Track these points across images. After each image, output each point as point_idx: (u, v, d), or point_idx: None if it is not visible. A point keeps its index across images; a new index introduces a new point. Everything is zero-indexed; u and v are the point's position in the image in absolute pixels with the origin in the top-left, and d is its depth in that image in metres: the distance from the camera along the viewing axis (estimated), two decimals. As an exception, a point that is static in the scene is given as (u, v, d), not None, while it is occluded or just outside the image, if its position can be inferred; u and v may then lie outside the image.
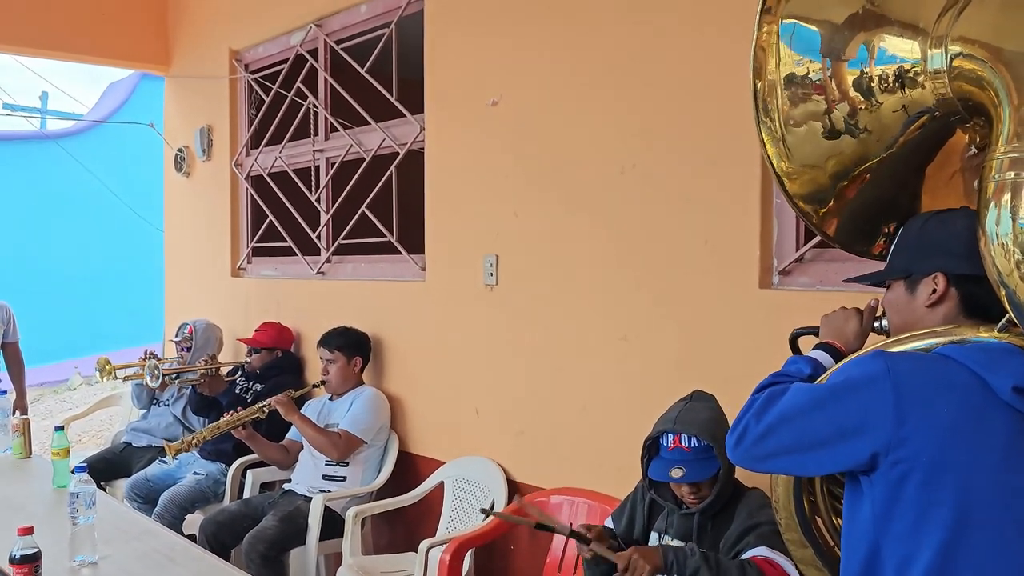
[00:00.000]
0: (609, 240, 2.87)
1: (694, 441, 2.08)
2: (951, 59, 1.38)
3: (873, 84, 1.48)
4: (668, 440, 2.11)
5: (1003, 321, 1.34)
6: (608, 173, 2.86)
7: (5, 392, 4.01)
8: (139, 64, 5.83)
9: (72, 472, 2.49)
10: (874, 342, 1.54)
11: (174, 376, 4.22)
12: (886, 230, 1.63)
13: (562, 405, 3.04)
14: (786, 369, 1.55)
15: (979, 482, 1.27)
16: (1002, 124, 1.30)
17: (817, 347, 1.59)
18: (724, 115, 2.51)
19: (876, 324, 1.60)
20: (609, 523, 2.36)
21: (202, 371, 4.16)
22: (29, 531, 1.99)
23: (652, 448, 2.17)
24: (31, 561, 1.95)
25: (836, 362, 1.53)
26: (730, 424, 2.14)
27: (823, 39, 1.53)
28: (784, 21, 1.54)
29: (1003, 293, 1.29)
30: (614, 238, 2.86)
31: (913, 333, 1.43)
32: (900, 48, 1.46)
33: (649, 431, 2.19)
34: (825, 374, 1.51)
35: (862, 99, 1.49)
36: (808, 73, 1.53)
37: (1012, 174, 1.27)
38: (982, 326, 1.37)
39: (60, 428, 3.10)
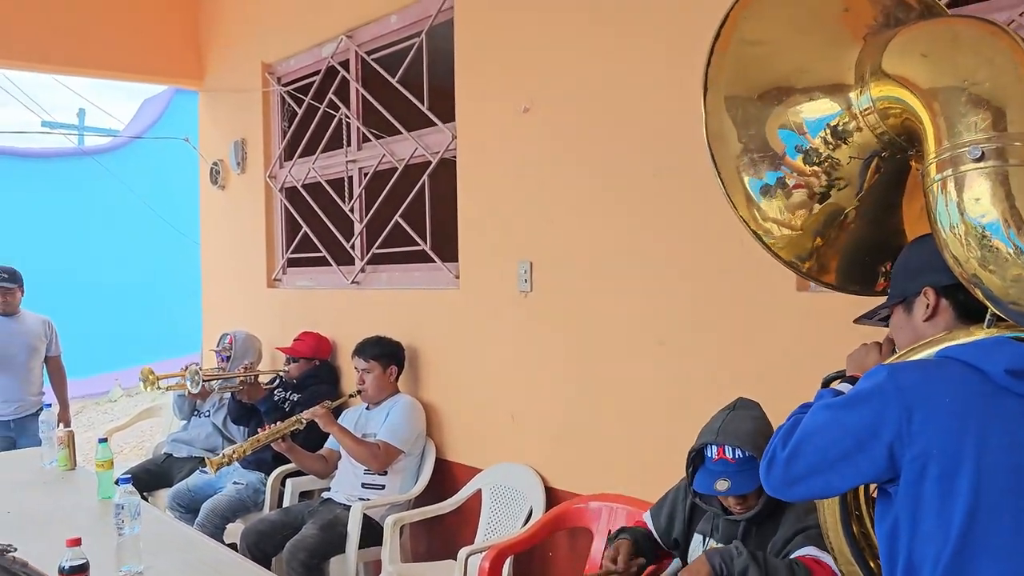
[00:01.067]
0: (644, 244, 2.86)
1: (738, 452, 2.05)
2: (876, 101, 1.50)
3: (818, 148, 1.59)
4: (712, 451, 2.08)
5: (988, 316, 1.40)
6: (641, 176, 2.85)
7: (49, 405, 4.10)
8: (174, 80, 5.93)
9: (117, 483, 2.54)
10: None
11: (214, 382, 4.28)
12: (883, 269, 1.72)
13: (599, 410, 3.03)
14: (813, 403, 1.58)
15: (990, 466, 1.30)
16: (926, 137, 1.40)
17: (843, 381, 1.64)
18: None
19: (893, 351, 1.63)
20: (647, 518, 2.35)
21: (241, 378, 4.21)
22: (77, 542, 2.03)
23: (696, 458, 2.14)
24: (80, 572, 1.98)
25: None
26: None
27: (759, 143, 1.64)
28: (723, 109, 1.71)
29: (972, 287, 1.36)
30: (648, 242, 2.85)
31: (915, 346, 1.49)
32: (819, 110, 1.58)
33: (687, 435, 2.18)
34: None
35: (817, 167, 1.60)
36: (761, 161, 1.64)
37: (941, 175, 1.37)
38: (973, 327, 1.44)
39: (104, 440, 3.16)
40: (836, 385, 1.60)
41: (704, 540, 2.21)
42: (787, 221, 1.64)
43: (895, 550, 1.39)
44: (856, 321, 1.74)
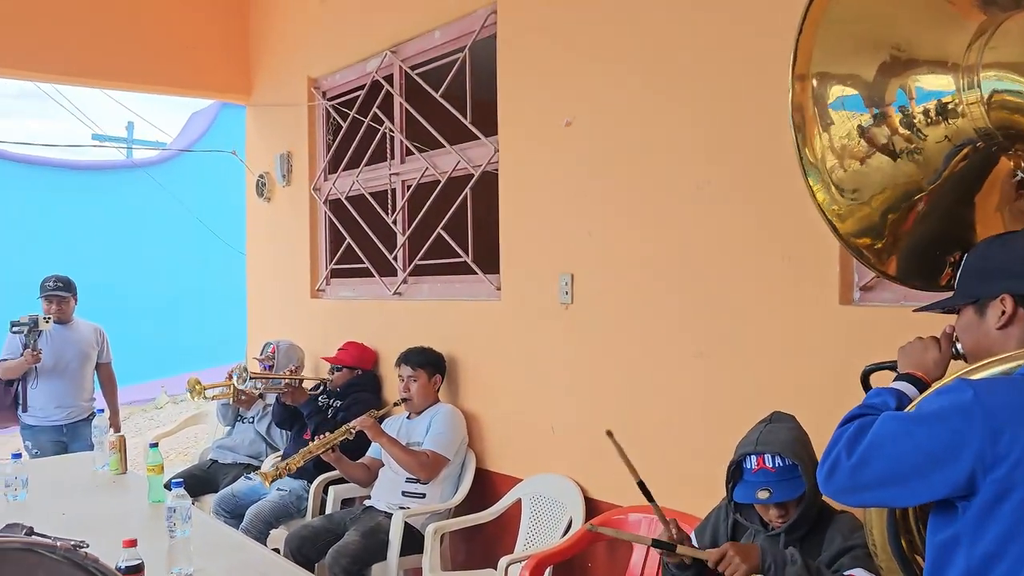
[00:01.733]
0: (684, 257, 2.88)
1: (778, 460, 2.05)
2: (988, 90, 1.43)
3: (916, 120, 1.54)
4: (751, 462, 2.08)
5: None
6: (684, 190, 2.86)
7: (102, 411, 4.21)
8: (222, 94, 6.07)
9: (168, 487, 2.61)
10: (954, 368, 1.55)
11: (259, 383, 4.36)
12: (951, 259, 1.66)
13: (638, 422, 3.04)
14: (870, 401, 1.55)
15: None
16: None
17: (899, 378, 1.59)
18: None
19: (953, 350, 1.60)
20: (692, 536, 2.36)
21: (287, 380, 4.30)
22: (133, 543, 2.10)
23: (735, 472, 2.15)
24: (136, 572, 2.05)
25: (920, 391, 1.54)
26: (812, 444, 2.13)
27: (860, 91, 1.59)
28: (817, 79, 1.61)
29: None
30: (689, 255, 2.86)
31: (992, 359, 1.44)
32: (936, 84, 1.52)
33: (726, 448, 2.18)
34: (912, 403, 1.51)
35: (908, 133, 1.55)
36: (851, 121, 1.59)
37: None
38: None
39: (154, 445, 3.24)
40: (894, 384, 1.57)
41: None
42: (861, 194, 1.59)
43: (949, 564, 1.37)
44: (916, 311, 1.70)
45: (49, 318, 4.61)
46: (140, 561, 2.08)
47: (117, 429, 4.78)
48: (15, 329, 4.54)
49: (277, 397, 4.35)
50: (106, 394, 4.97)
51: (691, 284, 2.85)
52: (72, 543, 1.05)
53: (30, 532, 1.04)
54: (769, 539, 2.13)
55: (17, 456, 3.10)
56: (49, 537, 1.05)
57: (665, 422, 2.95)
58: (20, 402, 4.65)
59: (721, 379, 2.76)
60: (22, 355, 4.54)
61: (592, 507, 3.19)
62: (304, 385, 4.40)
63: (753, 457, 2.08)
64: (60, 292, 4.71)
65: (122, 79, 5.47)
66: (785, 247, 2.58)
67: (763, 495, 2.04)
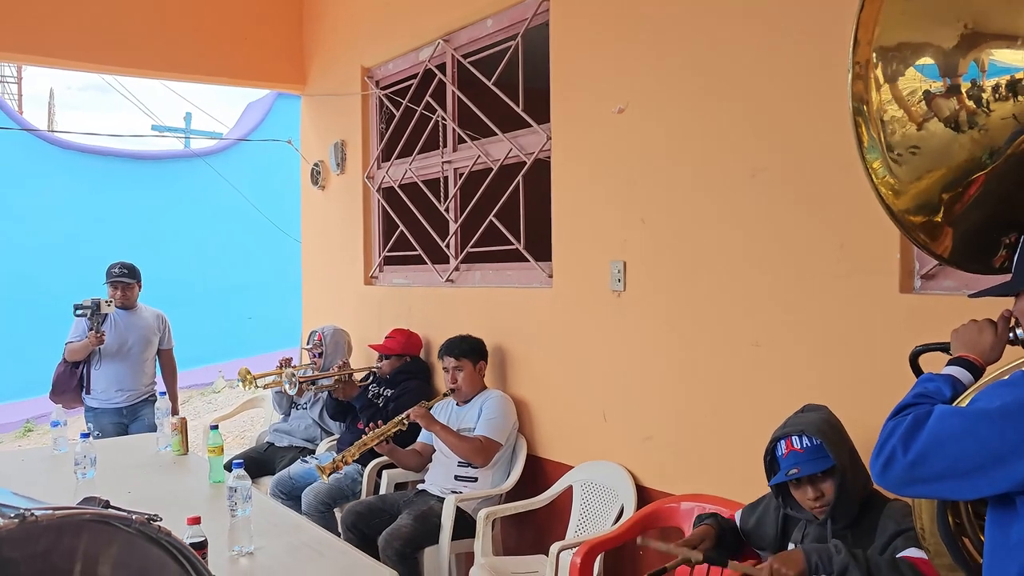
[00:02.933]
0: (738, 245, 2.85)
1: (805, 440, 2.12)
2: None
3: (985, 94, 1.50)
4: (782, 448, 2.16)
5: None
6: (738, 177, 2.84)
7: (164, 393, 4.32)
8: (277, 84, 6.17)
9: (229, 468, 2.68)
10: (1010, 354, 1.51)
11: (311, 383, 4.44)
12: (1007, 240, 1.62)
13: (692, 411, 3.03)
14: (924, 388, 1.52)
15: None
16: None
17: (952, 362, 1.55)
18: (860, 116, 2.45)
19: (1010, 335, 1.56)
20: (737, 515, 2.38)
21: (336, 377, 4.36)
22: (197, 521, 2.17)
23: (772, 464, 2.21)
24: (200, 548, 2.12)
25: (974, 376, 1.52)
26: (844, 428, 2.15)
27: (933, 58, 1.55)
28: (879, 49, 1.57)
29: None
30: (744, 243, 2.83)
31: None
32: (1011, 59, 1.48)
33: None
34: (968, 391, 1.49)
35: (974, 107, 1.51)
36: (917, 85, 1.55)
37: None
38: None
39: (215, 427, 3.33)
40: (947, 368, 1.54)
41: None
42: (918, 167, 1.56)
43: (1006, 556, 1.36)
44: (971, 296, 1.67)
45: (111, 301, 4.71)
46: (204, 538, 2.14)
47: (175, 414, 4.90)
48: (79, 312, 4.66)
49: (329, 392, 4.40)
50: (166, 380, 5.06)
51: (747, 272, 2.83)
52: (146, 516, 1.09)
53: (106, 505, 1.09)
54: (818, 527, 2.14)
55: (86, 436, 3.21)
56: (124, 510, 1.09)
57: (719, 410, 2.93)
58: (84, 385, 4.78)
59: (777, 368, 2.74)
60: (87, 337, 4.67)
61: (644, 495, 3.19)
62: (354, 377, 4.45)
63: (783, 441, 2.16)
64: (125, 278, 4.82)
65: (183, 70, 5.58)
66: (841, 235, 2.54)
67: (793, 471, 2.10)
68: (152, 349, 4.97)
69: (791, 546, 2.24)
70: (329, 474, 3.70)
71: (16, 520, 0.92)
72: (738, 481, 2.80)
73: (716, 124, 2.91)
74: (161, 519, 1.12)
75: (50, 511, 0.97)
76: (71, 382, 4.75)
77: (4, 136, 9.45)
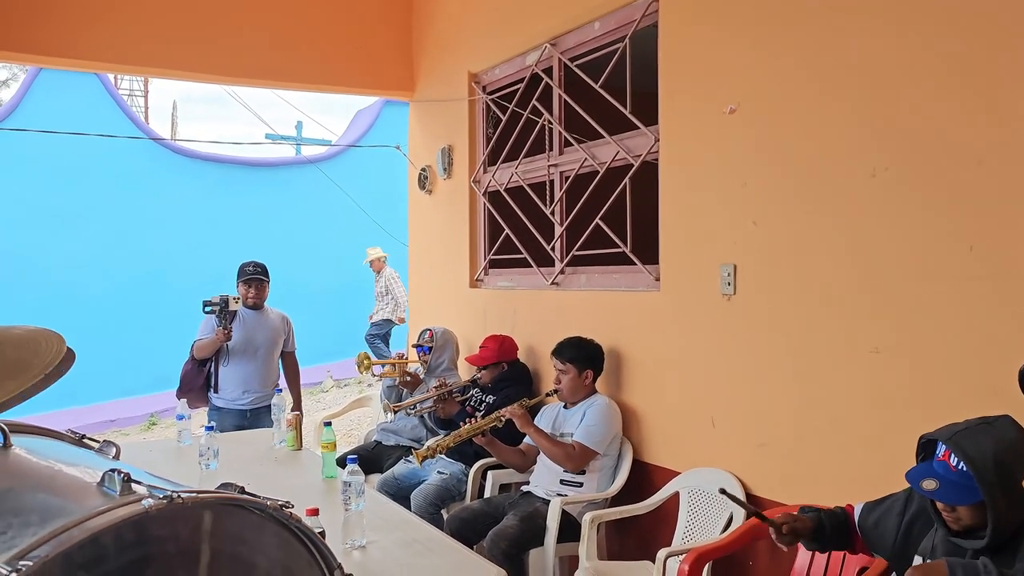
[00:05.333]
0: (856, 248, 2.75)
1: (961, 465, 1.93)
2: None
3: None
4: (940, 449, 1.97)
5: None
6: (856, 177, 2.74)
7: (281, 390, 4.46)
8: (387, 92, 6.33)
9: (343, 464, 2.76)
10: None
11: (409, 408, 4.36)
12: None
13: (807, 418, 2.94)
14: None
15: None
16: None
17: None
18: (992, 109, 2.34)
19: None
20: (857, 508, 2.26)
21: (435, 397, 4.30)
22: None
23: (928, 447, 2.02)
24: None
25: None
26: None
27: None
28: None
29: None
30: (862, 245, 2.73)
31: None
32: None
33: (901, 450, 2.11)
34: None
35: None
36: None
37: None
38: None
39: (328, 424, 3.44)
40: None
41: (923, 561, 2.09)
42: None
43: None
44: None
45: (239, 298, 4.77)
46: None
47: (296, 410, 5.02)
48: (207, 308, 4.72)
49: (431, 412, 4.38)
50: (289, 382, 5.10)
51: (866, 276, 2.73)
52: (280, 503, 1.14)
53: (241, 491, 1.14)
54: (954, 548, 2.00)
55: (210, 428, 3.35)
56: (259, 496, 1.14)
57: (835, 419, 2.84)
58: (212, 384, 4.84)
59: (898, 377, 2.63)
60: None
61: (755, 504, 3.11)
62: (453, 395, 4.40)
63: (943, 446, 1.95)
64: (259, 276, 4.88)
65: (297, 80, 5.79)
66: (971, 236, 2.42)
67: (928, 485, 1.92)
68: (277, 350, 4.99)
69: (916, 559, 2.13)
70: (422, 460, 3.72)
71: (164, 501, 0.97)
72: (856, 493, 2.69)
73: (834, 121, 2.82)
74: (293, 506, 1.17)
75: (194, 494, 1.02)
76: (198, 380, 4.83)
77: (133, 145, 10.02)
